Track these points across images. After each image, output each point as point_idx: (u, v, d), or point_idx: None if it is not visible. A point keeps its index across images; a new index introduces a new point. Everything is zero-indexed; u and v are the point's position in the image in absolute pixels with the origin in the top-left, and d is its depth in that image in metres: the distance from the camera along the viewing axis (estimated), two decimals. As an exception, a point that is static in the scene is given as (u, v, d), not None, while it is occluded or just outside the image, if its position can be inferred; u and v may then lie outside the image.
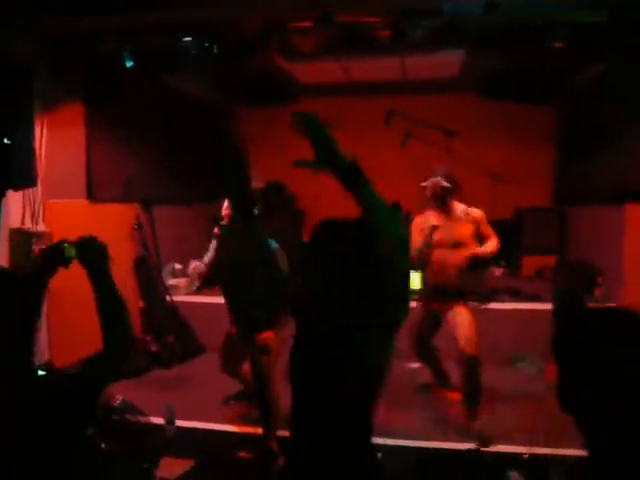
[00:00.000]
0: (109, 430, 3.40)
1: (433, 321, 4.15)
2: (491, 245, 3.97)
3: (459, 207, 4.05)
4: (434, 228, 3.85)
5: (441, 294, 4.02)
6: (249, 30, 4.37)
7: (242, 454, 3.29)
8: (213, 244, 4.07)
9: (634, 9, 3.56)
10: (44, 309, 4.02)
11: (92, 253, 1.88)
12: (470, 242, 3.98)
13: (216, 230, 3.94)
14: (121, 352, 1.85)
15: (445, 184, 3.91)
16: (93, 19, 3.90)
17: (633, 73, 4.92)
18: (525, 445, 3.49)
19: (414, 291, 5.78)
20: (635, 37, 3.87)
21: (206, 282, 4.30)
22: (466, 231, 3.97)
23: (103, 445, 3.18)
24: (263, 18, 4.25)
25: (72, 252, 1.87)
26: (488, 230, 4.04)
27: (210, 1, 3.79)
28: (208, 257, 4.10)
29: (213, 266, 4.04)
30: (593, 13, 3.74)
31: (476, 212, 4.04)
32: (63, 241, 1.89)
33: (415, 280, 5.95)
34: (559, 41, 4.09)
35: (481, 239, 4.03)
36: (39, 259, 1.92)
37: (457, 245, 3.95)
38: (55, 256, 1.87)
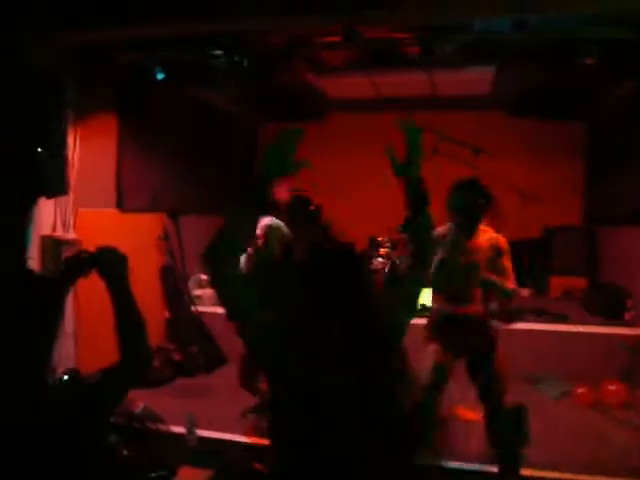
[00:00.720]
0: (130, 437, 3.42)
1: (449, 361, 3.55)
2: (509, 283, 3.43)
3: (482, 230, 3.51)
4: (457, 248, 3.43)
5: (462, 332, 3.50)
6: (277, 44, 4.43)
7: (258, 466, 3.28)
8: (244, 258, 3.93)
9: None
10: (65, 317, 4.10)
11: (111, 263, 1.84)
12: (482, 270, 3.44)
13: (250, 250, 3.87)
14: (137, 367, 1.82)
15: (480, 200, 3.39)
16: (123, 31, 3.99)
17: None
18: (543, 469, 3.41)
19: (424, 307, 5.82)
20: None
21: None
22: (480, 257, 3.44)
23: (125, 452, 3.22)
24: (291, 32, 4.30)
25: (91, 262, 1.83)
26: (509, 265, 3.45)
27: (239, 14, 3.84)
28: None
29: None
30: (622, 30, 3.71)
31: (498, 239, 3.48)
32: (83, 251, 1.86)
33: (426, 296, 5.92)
34: (589, 58, 4.05)
35: (499, 272, 3.45)
36: (61, 267, 1.91)
37: (470, 270, 3.43)
38: (74, 265, 1.84)
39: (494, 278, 3.41)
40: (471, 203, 3.36)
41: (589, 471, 3.15)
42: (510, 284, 3.43)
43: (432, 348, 3.44)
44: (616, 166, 6.42)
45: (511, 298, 3.66)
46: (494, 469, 3.39)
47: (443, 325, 3.48)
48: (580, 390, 4.75)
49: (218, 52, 4.43)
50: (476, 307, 3.45)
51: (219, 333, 5.87)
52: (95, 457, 1.62)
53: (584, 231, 7.35)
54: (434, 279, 3.40)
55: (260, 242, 3.84)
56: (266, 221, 3.95)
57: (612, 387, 4.46)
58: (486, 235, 3.49)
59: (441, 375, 3.36)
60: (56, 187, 4.03)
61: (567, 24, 3.86)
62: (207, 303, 6.28)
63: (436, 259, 3.39)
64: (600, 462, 3.48)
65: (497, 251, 3.43)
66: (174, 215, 5.99)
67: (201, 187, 6.72)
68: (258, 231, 3.85)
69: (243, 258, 3.97)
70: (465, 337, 3.40)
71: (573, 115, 7.14)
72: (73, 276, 1.86)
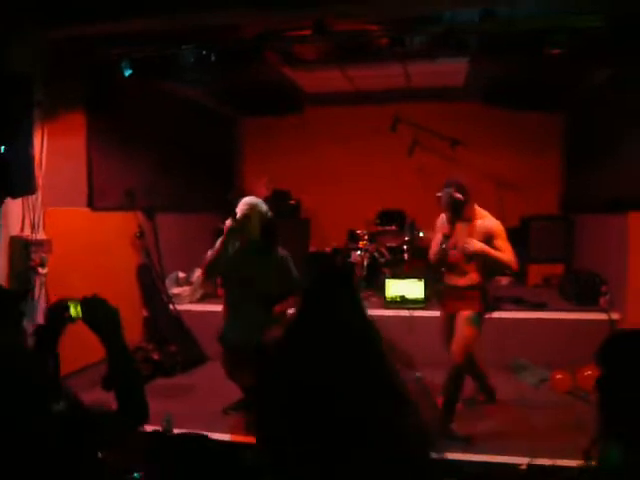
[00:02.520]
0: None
1: (451, 324, 4.10)
2: (507, 256, 3.85)
3: (478, 216, 3.98)
4: (446, 238, 3.95)
5: (453, 298, 4.07)
6: (247, 37, 4.40)
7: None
8: (220, 239, 4.06)
9: (630, 15, 3.53)
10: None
11: (100, 317, 1.75)
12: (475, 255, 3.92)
13: (228, 223, 3.96)
14: (133, 418, 1.79)
15: (457, 196, 3.87)
16: (90, 27, 3.94)
17: (636, 79, 4.88)
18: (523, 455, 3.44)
19: (420, 300, 5.86)
20: (633, 42, 3.83)
21: (209, 272, 4.28)
22: (478, 240, 3.89)
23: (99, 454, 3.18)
24: (260, 26, 4.27)
25: (77, 311, 1.74)
26: (505, 245, 3.87)
27: (207, 9, 3.80)
28: (214, 249, 4.07)
29: (218, 259, 4.03)
30: (589, 19, 3.72)
31: (491, 224, 3.94)
32: (66, 299, 1.76)
33: (420, 289, 5.97)
34: (557, 48, 4.07)
35: None
36: (45, 319, 1.79)
37: (467, 256, 3.93)
38: (58, 316, 1.75)
39: (492, 251, 3.85)
40: (448, 200, 3.94)
41: (567, 456, 3.20)
42: (509, 257, 3.86)
43: (441, 315, 4.26)
44: (592, 155, 6.48)
45: (512, 270, 4.01)
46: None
47: (444, 294, 4.20)
48: (558, 376, 4.79)
49: (184, 46, 4.38)
50: (470, 279, 3.99)
51: (198, 331, 5.83)
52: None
53: (561, 219, 7.42)
54: (440, 260, 4.05)
55: (241, 220, 3.93)
56: (247, 200, 4.05)
57: (589, 372, 4.48)
58: (480, 222, 3.96)
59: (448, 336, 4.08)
60: (23, 186, 3.96)
61: (534, 14, 3.87)
62: (185, 301, 6.24)
63: (436, 244, 4.05)
64: (578, 447, 3.49)
65: (488, 236, 3.89)
66: (150, 213, 5.94)
67: (177, 184, 6.66)
68: (239, 209, 3.96)
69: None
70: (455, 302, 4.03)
71: (548, 105, 7.18)
72: (58, 328, 1.76)
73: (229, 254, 4.05)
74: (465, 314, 3.92)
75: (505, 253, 3.85)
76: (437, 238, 4.08)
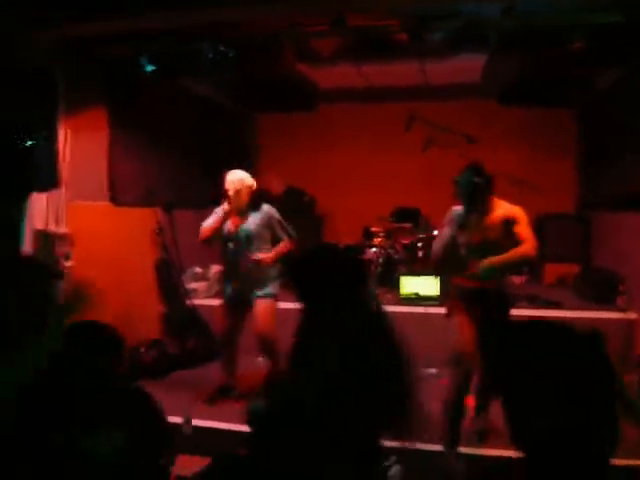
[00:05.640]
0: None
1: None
2: (522, 249, 3.49)
3: (497, 207, 3.60)
4: (460, 229, 3.61)
5: (469, 297, 3.69)
6: (265, 33, 4.43)
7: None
8: (220, 212, 4.35)
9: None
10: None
11: None
12: (501, 244, 3.55)
13: (226, 207, 4.28)
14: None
15: (475, 179, 3.51)
16: (107, 23, 3.99)
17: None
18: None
19: (434, 297, 5.86)
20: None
21: (207, 242, 4.47)
22: (496, 233, 3.56)
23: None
24: (278, 21, 4.30)
25: None
26: (525, 231, 3.50)
27: (224, 4, 3.84)
28: (213, 220, 4.38)
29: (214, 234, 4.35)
30: (610, 15, 3.72)
31: (511, 209, 3.58)
32: None
33: (435, 285, 5.97)
34: (577, 44, 4.06)
35: (517, 242, 3.53)
36: None
37: (486, 247, 3.56)
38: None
39: (504, 257, 3.50)
40: (467, 184, 3.53)
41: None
42: (525, 248, 3.48)
43: (456, 320, 3.68)
44: (608, 152, 6.44)
45: (532, 260, 3.68)
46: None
47: (463, 299, 3.68)
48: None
49: (204, 43, 4.43)
50: (493, 281, 3.61)
51: (214, 326, 5.88)
52: None
53: (577, 218, 7.38)
54: (449, 259, 3.65)
55: (231, 194, 4.24)
56: (235, 175, 4.34)
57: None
58: (500, 209, 3.58)
59: (468, 345, 3.55)
60: (47, 180, 4.03)
61: (554, 9, 3.87)
62: (202, 296, 6.30)
63: (448, 239, 3.62)
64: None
65: (511, 221, 3.51)
66: (169, 209, 5.99)
67: (195, 180, 6.71)
68: (231, 186, 4.28)
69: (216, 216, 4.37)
70: (481, 308, 3.59)
71: (564, 102, 7.16)
72: None
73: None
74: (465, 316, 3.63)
75: (527, 242, 3.48)
76: (442, 233, 3.71)
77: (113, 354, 2.21)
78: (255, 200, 4.39)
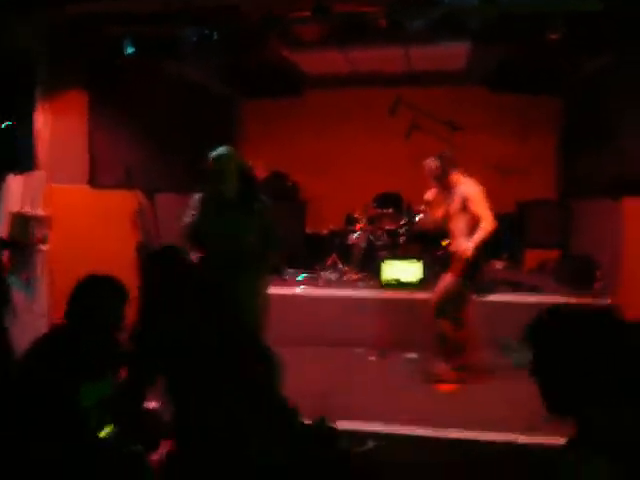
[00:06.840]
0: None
1: None
2: (481, 229, 4.09)
3: (457, 184, 4.25)
4: (427, 203, 4.54)
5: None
6: (249, 18, 4.40)
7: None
8: (195, 203, 3.74)
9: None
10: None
11: None
12: (458, 217, 4.24)
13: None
14: None
15: (435, 163, 4.27)
16: (93, 4, 3.94)
17: (635, 64, 4.88)
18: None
19: (415, 283, 5.90)
20: (633, 27, 3.84)
21: (192, 239, 3.75)
22: (454, 207, 4.24)
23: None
24: (263, 6, 4.27)
25: None
26: (478, 209, 4.13)
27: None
28: (190, 216, 3.73)
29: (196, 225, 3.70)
30: (588, 3, 3.73)
31: (466, 189, 4.19)
32: None
33: (418, 270, 6.00)
34: (555, 32, 4.08)
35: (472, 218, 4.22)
36: None
37: (449, 219, 4.33)
38: None
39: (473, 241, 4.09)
40: (427, 170, 4.39)
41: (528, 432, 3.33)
42: (483, 226, 4.06)
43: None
44: (590, 140, 6.48)
45: (492, 233, 4.12)
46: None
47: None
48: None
49: (188, 26, 4.39)
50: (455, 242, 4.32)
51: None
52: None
53: (558, 204, 7.45)
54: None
55: (216, 175, 3.60)
56: (220, 151, 3.69)
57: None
58: (459, 187, 4.23)
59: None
60: (24, 162, 4.00)
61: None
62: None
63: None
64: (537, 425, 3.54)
65: (464, 200, 4.16)
66: (149, 192, 5.97)
67: (177, 164, 6.67)
68: (217, 160, 3.63)
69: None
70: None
71: (547, 90, 7.18)
72: None
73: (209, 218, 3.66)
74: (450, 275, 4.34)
75: (482, 221, 4.06)
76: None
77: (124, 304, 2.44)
78: (248, 185, 3.69)
